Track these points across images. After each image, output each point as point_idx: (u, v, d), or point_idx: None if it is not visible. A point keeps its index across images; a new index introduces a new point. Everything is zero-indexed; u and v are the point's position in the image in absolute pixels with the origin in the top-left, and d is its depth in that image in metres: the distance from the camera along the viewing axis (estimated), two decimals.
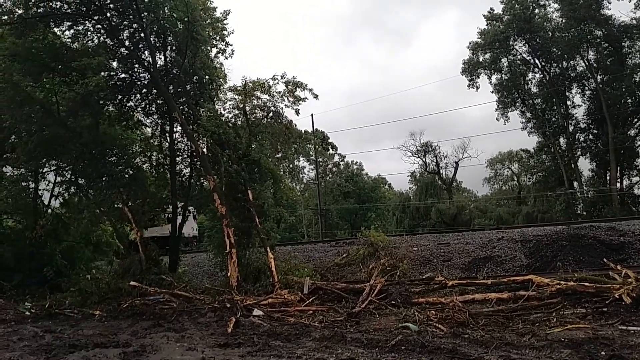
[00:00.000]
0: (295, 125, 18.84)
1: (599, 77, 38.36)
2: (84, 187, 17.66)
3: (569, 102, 40.29)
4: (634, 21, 36.30)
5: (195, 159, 17.17)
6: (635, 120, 38.27)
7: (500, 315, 8.90)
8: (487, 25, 41.62)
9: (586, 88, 39.83)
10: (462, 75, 42.66)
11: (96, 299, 13.71)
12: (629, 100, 37.80)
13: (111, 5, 15.77)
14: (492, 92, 42.31)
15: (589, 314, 8.32)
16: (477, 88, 42.64)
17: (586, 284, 9.18)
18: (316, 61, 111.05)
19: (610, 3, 36.74)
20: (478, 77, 42.09)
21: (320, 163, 54.94)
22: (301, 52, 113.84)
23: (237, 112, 16.92)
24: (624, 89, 36.67)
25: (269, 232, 15.82)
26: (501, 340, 7.39)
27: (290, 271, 14.42)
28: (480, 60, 41.72)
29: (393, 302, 10.73)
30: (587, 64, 38.66)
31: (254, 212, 15.32)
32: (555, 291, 9.25)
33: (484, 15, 41.90)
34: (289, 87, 16.59)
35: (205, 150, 15.95)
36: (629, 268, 9.65)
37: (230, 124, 16.63)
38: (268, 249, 14.53)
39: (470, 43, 42.06)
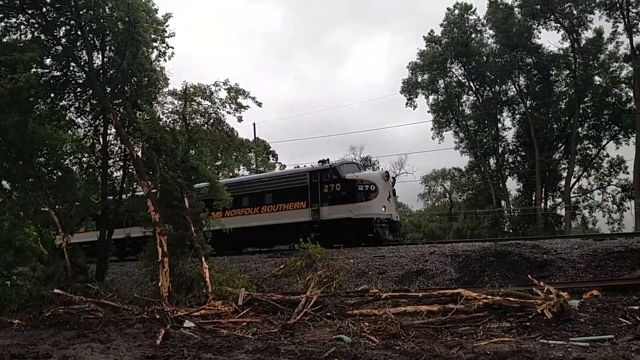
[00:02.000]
0: (237, 133, 18.70)
1: (528, 102, 40.67)
2: (6, 189, 16.63)
3: (499, 125, 42.44)
4: (561, 51, 38.89)
5: (129, 163, 16.58)
6: (560, 144, 40.76)
7: (430, 327, 9.14)
8: (426, 47, 43.22)
9: (516, 112, 42.09)
10: (401, 94, 44.00)
11: (15, 307, 12.89)
12: (555, 126, 40.26)
13: (47, 0, 15.06)
14: (429, 111, 43.89)
15: (514, 328, 8.68)
16: (415, 107, 44.09)
17: (511, 298, 9.58)
18: (253, 74, 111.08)
19: (540, 33, 39.26)
20: (416, 97, 43.54)
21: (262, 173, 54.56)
22: (238, 64, 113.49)
23: (176, 117, 16.55)
24: (550, 115, 39.05)
25: (205, 241, 15.49)
26: (430, 352, 7.57)
27: (225, 282, 14.16)
28: (419, 80, 43.18)
29: (328, 313, 10.76)
30: (517, 89, 40.92)
31: (189, 220, 14.96)
32: (483, 305, 9.59)
33: (424, 37, 43.56)
34: (232, 94, 16.43)
35: (140, 154, 15.45)
36: (550, 284, 10.18)
37: (169, 129, 16.23)
38: (203, 259, 14.21)
39: (410, 63, 43.54)
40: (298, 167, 24.17)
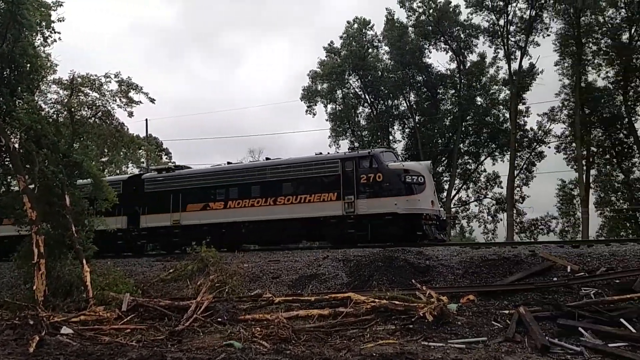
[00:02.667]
0: (127, 129, 17.74)
1: (417, 117, 43.09)
2: None
3: (391, 137, 44.49)
4: (448, 72, 41.79)
5: (4, 155, 15.04)
6: (443, 158, 43.64)
7: (321, 330, 9.32)
8: (326, 57, 44.25)
9: (406, 126, 44.38)
10: (302, 100, 44.56)
11: None
12: (439, 141, 43.03)
13: None
14: (327, 120, 44.89)
15: (398, 330, 9.13)
16: (314, 114, 44.88)
17: (397, 302, 10.06)
18: (144, 69, 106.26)
19: (430, 53, 41.81)
20: (315, 105, 44.35)
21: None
22: (128, 58, 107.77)
23: (60, 107, 15.34)
24: (436, 130, 41.71)
25: (86, 243, 14.48)
26: (320, 355, 7.72)
27: (108, 286, 13.35)
28: (319, 89, 44.06)
29: (219, 319, 10.56)
30: (408, 104, 43.20)
31: (70, 219, 13.93)
32: (370, 308, 9.98)
33: (324, 47, 44.52)
34: (123, 87, 15.58)
35: (17, 146, 14.11)
36: (432, 289, 10.85)
37: (51, 120, 14.99)
38: (84, 261, 13.29)
39: (310, 71, 44.27)
40: (320, 153, 20.98)
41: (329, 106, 44.52)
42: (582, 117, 35.36)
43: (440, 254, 13.82)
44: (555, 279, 11.14)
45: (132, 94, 15.69)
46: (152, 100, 16.31)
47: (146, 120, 41.23)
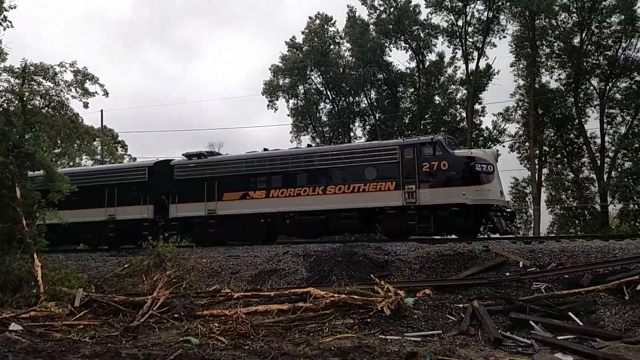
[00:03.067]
0: (82, 120, 17.20)
1: (377, 114, 43.53)
2: None
3: (352, 134, 44.77)
4: (408, 70, 42.35)
5: None
6: None
7: (280, 325, 9.33)
8: (288, 51, 44.07)
9: (367, 123, 44.76)
10: (263, 95, 44.23)
11: None
12: (399, 138, 43.68)
13: None
14: (289, 115, 44.76)
15: (356, 324, 9.24)
16: (276, 109, 44.65)
17: (355, 296, 10.18)
18: (98, 60, 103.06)
19: (391, 51, 42.22)
20: (277, 99, 44.13)
21: (108, 164, 50.81)
22: (81, 48, 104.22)
23: (11, 96, 14.71)
24: (395, 128, 42.24)
25: (37, 236, 13.97)
26: (279, 350, 7.73)
27: (60, 281, 12.92)
28: (280, 83, 43.85)
29: (176, 315, 10.41)
30: (369, 102, 43.59)
31: (21, 212, 13.41)
32: (330, 303, 10.05)
33: (286, 42, 44.32)
34: (78, 77, 15.10)
35: None
36: (390, 283, 11.02)
37: (1, 109, 14.36)
38: (34, 255, 12.82)
39: (272, 66, 43.97)
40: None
41: (291, 101, 44.44)
42: (535, 117, 36.54)
43: (398, 249, 14.03)
44: (507, 274, 11.51)
45: (87, 84, 15.24)
46: (106, 94, 15.94)
47: (101, 111, 40.17)
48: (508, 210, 17.39)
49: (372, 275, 12.00)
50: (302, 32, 43.90)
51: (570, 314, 9.01)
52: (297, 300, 10.60)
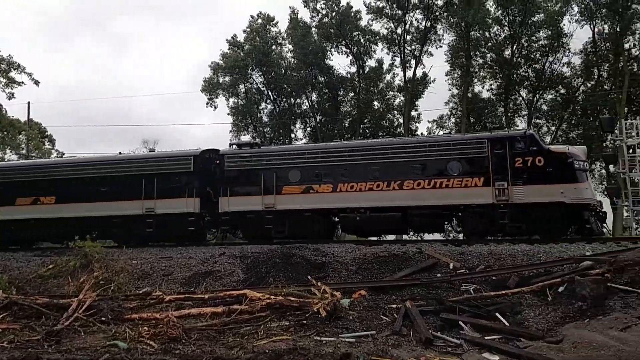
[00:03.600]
0: (6, 112, 16.14)
1: (318, 117, 43.81)
2: None
3: (293, 135, 44.82)
4: (349, 75, 42.92)
5: None
6: None
7: (214, 329, 9.10)
8: (229, 49, 43.47)
9: (307, 125, 44.98)
10: (202, 92, 43.42)
11: None
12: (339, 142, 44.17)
13: None
14: (229, 114, 44.16)
15: (292, 326, 9.16)
16: (215, 107, 43.96)
17: (292, 298, 10.11)
18: (25, 51, 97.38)
19: (332, 55, 42.72)
20: (217, 97, 43.40)
21: (34, 158, 47.98)
22: (7, 39, 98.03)
23: None
24: (336, 131, 42.69)
25: None
26: (211, 354, 7.53)
27: None
28: (220, 81, 43.17)
29: (103, 318, 9.92)
30: (310, 104, 43.82)
31: None
32: (266, 305, 9.93)
33: (227, 40, 43.78)
34: (3, 66, 14.17)
35: None
36: (327, 285, 11.03)
37: None
38: None
39: (212, 63, 43.27)
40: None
41: (231, 100, 43.86)
42: (467, 125, 38.04)
43: (335, 251, 14.11)
44: (439, 275, 11.84)
45: (13, 73, 14.33)
46: (36, 82, 15.04)
47: (28, 103, 37.72)
48: (602, 210, 16.58)
49: (309, 277, 11.98)
50: (244, 31, 43.55)
51: (497, 314, 9.36)
52: (233, 302, 10.39)
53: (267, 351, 7.58)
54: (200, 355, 7.48)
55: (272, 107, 44.61)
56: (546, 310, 9.37)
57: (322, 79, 42.88)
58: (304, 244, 15.41)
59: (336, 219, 18.51)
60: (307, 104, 44.08)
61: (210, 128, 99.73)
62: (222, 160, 19.41)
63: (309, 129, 44.72)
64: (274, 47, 43.69)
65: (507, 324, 9.03)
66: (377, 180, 17.47)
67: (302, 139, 44.53)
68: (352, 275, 12.57)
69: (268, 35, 43.38)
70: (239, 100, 43.89)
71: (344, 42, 41.49)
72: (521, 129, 17.91)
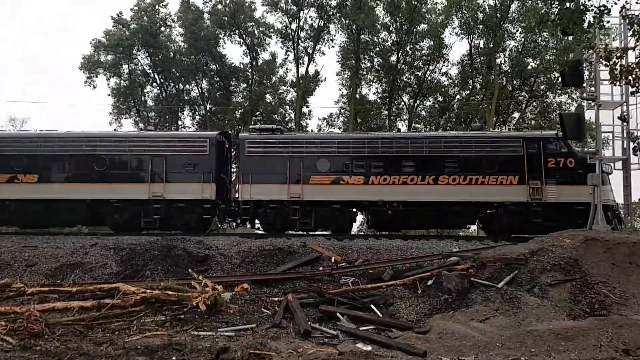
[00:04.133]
0: None
1: (208, 105, 42.68)
2: None
3: (180, 122, 43.19)
4: (242, 65, 42.32)
5: None
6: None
7: (81, 324, 8.51)
8: (113, 27, 40.68)
9: (197, 113, 43.62)
10: (81, 70, 40.14)
11: None
12: (230, 132, 43.35)
13: None
14: (109, 95, 41.37)
15: (168, 321, 8.84)
16: (95, 87, 40.97)
17: (170, 292, 9.73)
18: None
19: (225, 43, 41.79)
20: (97, 76, 40.44)
21: None
22: None
23: None
24: (226, 122, 41.90)
25: None
26: (77, 350, 7.05)
27: None
28: (102, 60, 40.29)
29: None
30: (200, 91, 42.51)
31: None
32: (141, 299, 9.46)
33: (112, 17, 40.84)
34: None
35: None
36: (208, 278, 10.82)
37: None
38: None
39: (93, 39, 40.21)
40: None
41: (113, 80, 41.08)
42: (354, 125, 39.40)
43: (220, 244, 13.89)
44: (321, 268, 12.16)
45: None
46: None
47: None
48: (618, 211, 17.22)
49: (190, 270, 11.66)
50: (131, 9, 41.00)
51: (372, 306, 9.83)
52: (104, 296, 9.76)
53: (139, 347, 7.26)
54: (64, 351, 6.96)
55: (159, 91, 42.58)
56: (416, 302, 10.02)
57: (214, 66, 41.76)
58: (186, 235, 14.96)
59: (361, 212, 18.29)
60: (197, 91, 42.73)
61: (88, 109, 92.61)
62: (243, 145, 18.26)
63: (198, 117, 43.42)
64: (162, 28, 41.63)
65: (380, 315, 9.52)
66: (411, 174, 17.35)
67: (190, 127, 43.14)
68: (235, 268, 12.46)
69: (157, 16, 41.22)
70: (122, 81, 41.29)
71: (237, 31, 40.80)
72: (553, 131, 18.57)
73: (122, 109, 41.73)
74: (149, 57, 40.97)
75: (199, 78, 41.86)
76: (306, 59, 40.28)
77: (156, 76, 41.88)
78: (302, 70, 40.41)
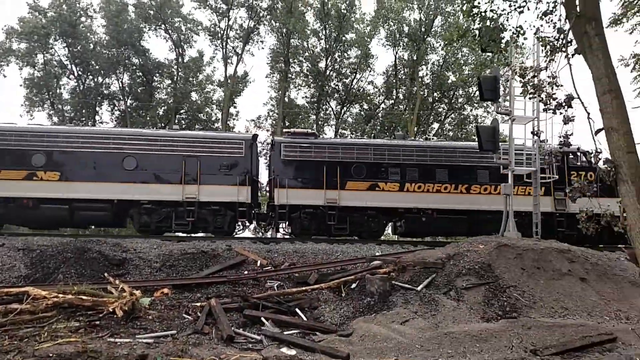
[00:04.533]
0: None
1: (129, 101, 40.94)
2: None
3: (98, 117, 41.11)
4: (167, 61, 41.04)
5: None
6: None
7: None
8: (29, 13, 38.02)
9: (116, 108, 41.70)
10: None
11: None
12: (153, 129, 41.89)
13: None
14: (21, 85, 38.58)
15: (82, 327, 8.38)
16: (5, 76, 38.11)
17: (84, 297, 9.22)
18: None
19: (150, 38, 40.46)
20: (7, 65, 37.57)
21: None
22: None
23: None
24: (148, 118, 40.42)
25: None
26: None
27: None
28: (14, 47, 37.51)
29: None
30: (120, 85, 40.67)
31: None
32: (52, 304, 8.90)
33: (27, 3, 38.17)
34: None
35: None
36: (126, 282, 10.38)
37: None
38: None
39: (5, 26, 37.40)
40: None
41: (26, 70, 38.37)
42: (282, 128, 39.46)
43: (138, 247, 13.38)
44: (246, 272, 12.05)
45: None
46: None
47: None
48: None
49: (106, 274, 11.12)
50: None
51: (297, 310, 9.87)
52: (11, 301, 9.08)
53: (50, 355, 6.84)
54: None
55: (76, 84, 40.27)
56: (340, 305, 10.18)
57: (137, 60, 40.13)
58: (102, 237, 14.27)
59: (394, 219, 18.48)
60: (117, 85, 40.84)
61: None
62: (279, 149, 18.21)
63: (117, 112, 41.51)
64: (83, 19, 39.45)
65: (305, 319, 9.58)
66: (445, 183, 17.90)
67: (108, 123, 41.19)
68: (155, 272, 12.05)
69: (77, 5, 38.99)
70: (36, 72, 38.65)
71: (163, 26, 39.53)
72: (575, 146, 18.73)
73: (34, 101, 39.06)
74: (66, 48, 38.65)
75: (119, 72, 40.03)
76: (235, 58, 39.86)
77: (74, 68, 39.60)
78: (230, 70, 39.92)
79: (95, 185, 16.93)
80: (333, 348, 7.78)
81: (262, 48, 40.12)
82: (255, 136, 19.47)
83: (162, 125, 40.60)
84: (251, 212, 18.13)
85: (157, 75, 41.43)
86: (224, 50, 39.41)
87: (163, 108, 41.14)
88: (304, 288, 10.81)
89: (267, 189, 18.98)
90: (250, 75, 41.11)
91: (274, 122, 41.03)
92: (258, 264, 12.55)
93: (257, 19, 38.90)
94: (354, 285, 10.98)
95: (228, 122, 40.53)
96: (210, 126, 41.04)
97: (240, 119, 43.04)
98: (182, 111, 41.21)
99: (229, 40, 39.35)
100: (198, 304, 9.92)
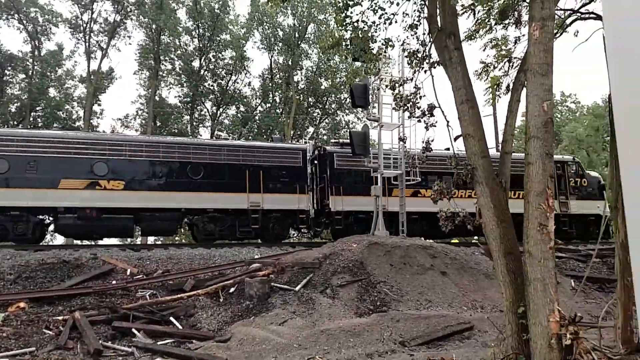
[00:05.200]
0: None
1: None
2: None
3: None
4: (20, 53, 37.10)
5: None
6: None
7: None
8: None
9: None
10: None
11: None
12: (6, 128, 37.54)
13: None
14: None
15: None
16: None
17: None
18: None
19: (1, 28, 36.33)
20: None
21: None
22: None
23: None
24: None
25: None
26: None
27: None
28: None
29: None
30: None
31: None
32: None
33: None
34: None
35: None
36: None
37: None
38: None
39: None
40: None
41: None
42: (153, 128, 37.71)
43: None
44: (114, 282, 11.28)
45: None
46: None
47: None
48: None
49: None
50: None
51: (172, 318, 9.49)
52: None
53: None
54: None
55: None
56: (218, 311, 9.99)
57: None
58: None
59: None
60: None
61: None
62: (332, 159, 19.03)
63: None
64: None
65: (180, 327, 9.25)
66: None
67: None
68: (9, 285, 10.79)
69: None
70: None
71: (17, 16, 35.68)
72: (570, 156, 22.83)
73: None
74: None
75: None
76: (99, 53, 37.20)
77: None
78: (94, 65, 37.20)
79: (161, 194, 16.96)
80: (210, 355, 7.63)
81: (130, 44, 37.82)
82: (315, 147, 20.61)
83: (15, 123, 36.62)
84: (309, 218, 18.78)
85: (9, 68, 37.26)
86: (87, 44, 36.67)
87: (16, 104, 37.11)
88: (179, 295, 10.43)
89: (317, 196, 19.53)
90: (116, 72, 38.71)
91: (143, 121, 39.08)
92: (128, 273, 11.83)
93: (125, 13, 36.76)
94: (232, 290, 10.85)
95: (91, 121, 37.76)
96: (71, 125, 37.86)
97: (105, 117, 40.22)
98: (38, 108, 37.51)
99: (92, 34, 36.69)
100: (60, 318, 9.10)
